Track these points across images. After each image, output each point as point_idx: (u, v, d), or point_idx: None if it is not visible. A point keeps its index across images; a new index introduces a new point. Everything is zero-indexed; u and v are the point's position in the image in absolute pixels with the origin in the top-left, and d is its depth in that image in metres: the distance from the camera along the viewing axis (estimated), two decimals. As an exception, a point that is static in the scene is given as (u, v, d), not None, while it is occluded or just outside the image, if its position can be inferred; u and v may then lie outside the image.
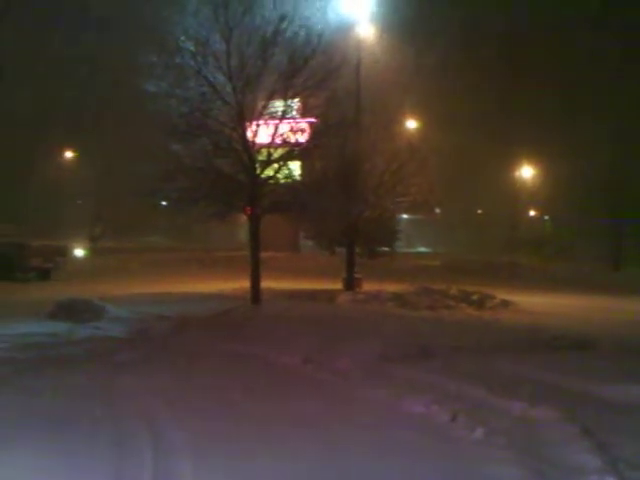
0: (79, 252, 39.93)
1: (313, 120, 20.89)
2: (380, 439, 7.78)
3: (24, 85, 44.33)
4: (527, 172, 66.22)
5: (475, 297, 22.74)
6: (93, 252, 41.25)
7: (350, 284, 25.15)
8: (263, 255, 20.98)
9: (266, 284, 20.61)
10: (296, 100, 20.25)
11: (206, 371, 11.27)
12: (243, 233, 40.43)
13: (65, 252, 32.62)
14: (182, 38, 18.85)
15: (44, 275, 29.76)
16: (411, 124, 43.64)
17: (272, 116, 19.94)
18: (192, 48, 18.79)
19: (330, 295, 22.52)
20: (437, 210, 51.07)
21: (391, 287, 24.48)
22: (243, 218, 23.19)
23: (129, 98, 24.23)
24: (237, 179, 19.81)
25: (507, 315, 19.90)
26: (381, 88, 30.36)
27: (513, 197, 65.06)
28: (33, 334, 14.98)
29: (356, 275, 25.78)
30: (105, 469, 6.65)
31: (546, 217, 69.75)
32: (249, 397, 9.48)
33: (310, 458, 7.16)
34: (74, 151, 54.63)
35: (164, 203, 23.77)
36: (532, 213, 71.90)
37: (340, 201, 22.17)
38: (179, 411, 8.69)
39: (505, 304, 22.17)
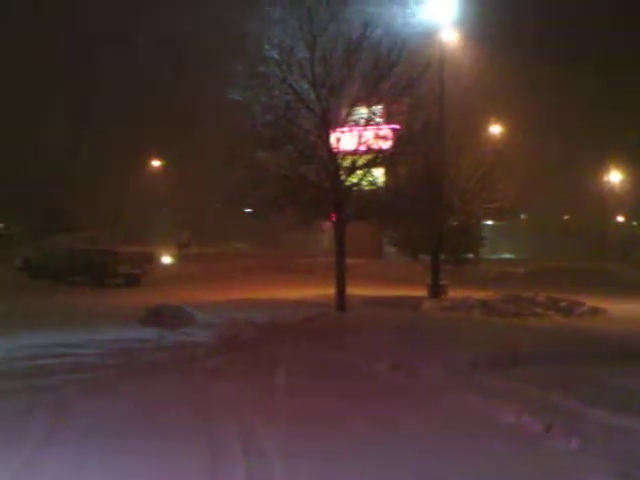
0: (167, 258, 40.69)
1: (397, 127, 20.84)
2: (474, 449, 7.72)
3: (112, 94, 45.49)
4: (615, 177, 64.71)
5: (563, 304, 22.31)
6: (180, 258, 41.97)
7: (435, 291, 24.96)
8: (347, 261, 20.99)
9: (350, 291, 20.61)
10: (380, 107, 20.22)
11: (295, 377, 11.32)
12: (325, 240, 40.53)
13: (153, 258, 33.29)
14: (267, 47, 19.07)
15: (133, 281, 30.40)
16: (496, 129, 43.17)
17: (356, 123, 20.00)
18: (277, 56, 18.99)
19: (415, 302, 22.38)
20: (522, 216, 50.32)
21: (476, 294, 24.24)
22: (325, 225, 23.28)
23: (215, 106, 24.59)
24: (322, 186, 19.90)
25: (597, 323, 19.47)
26: (466, 93, 30.11)
27: (601, 202, 63.60)
28: (124, 339, 15.27)
29: (441, 282, 25.59)
30: (199, 474, 6.75)
31: (634, 223, 68.03)
32: (340, 404, 9.51)
33: (403, 467, 7.15)
34: (161, 160, 55.71)
35: (248, 210, 24.02)
36: (620, 219, 70.19)
37: (425, 207, 22.06)
38: (270, 417, 8.77)
39: (594, 311, 21.69)
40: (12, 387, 10.14)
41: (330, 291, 20.86)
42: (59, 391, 9.90)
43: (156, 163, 56.36)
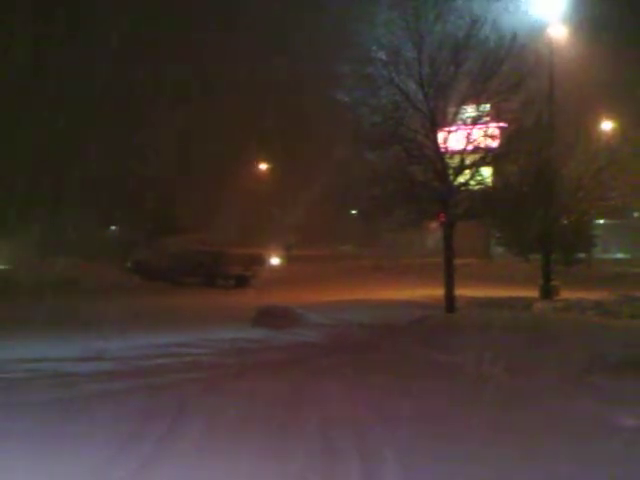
0: (275, 260, 41.32)
1: (504, 125, 20.49)
2: (589, 451, 7.54)
3: (221, 98, 46.24)
4: None
5: (681, 305, 21.46)
6: (288, 260, 42.51)
7: (547, 292, 24.42)
8: (455, 262, 20.75)
9: (458, 291, 20.39)
10: (488, 105, 19.94)
11: (406, 378, 11.29)
12: (431, 240, 40.23)
13: (262, 260, 33.79)
14: (374, 48, 19.09)
15: (243, 282, 30.94)
16: (608, 125, 41.94)
17: (464, 122, 19.80)
18: (384, 57, 18.99)
19: (526, 303, 21.97)
20: (635, 214, 48.73)
21: (589, 295, 23.59)
22: (432, 225, 23.10)
23: (322, 108, 24.79)
24: (430, 186, 19.76)
25: None
26: (576, 89, 29.38)
27: None
28: (236, 339, 15.59)
29: (553, 282, 25.01)
30: (315, 472, 6.79)
31: None
32: (452, 405, 9.44)
33: (517, 466, 7.07)
34: (269, 162, 56.47)
35: (354, 212, 24.03)
36: None
37: (535, 206, 21.63)
38: (383, 417, 8.76)
39: None
40: (133, 385, 10.47)
41: (438, 292, 20.72)
42: (178, 389, 10.16)
43: (264, 165, 57.19)
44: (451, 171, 19.44)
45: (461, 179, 19.75)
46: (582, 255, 30.56)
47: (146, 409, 8.95)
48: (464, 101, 19.47)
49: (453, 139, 19.71)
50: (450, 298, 19.74)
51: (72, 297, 24.53)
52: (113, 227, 55.23)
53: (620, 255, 59.72)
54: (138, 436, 7.72)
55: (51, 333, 16.26)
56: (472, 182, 19.99)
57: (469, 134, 19.56)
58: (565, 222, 25.20)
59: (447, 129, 19.53)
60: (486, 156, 19.86)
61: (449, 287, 19.79)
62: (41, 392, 10.01)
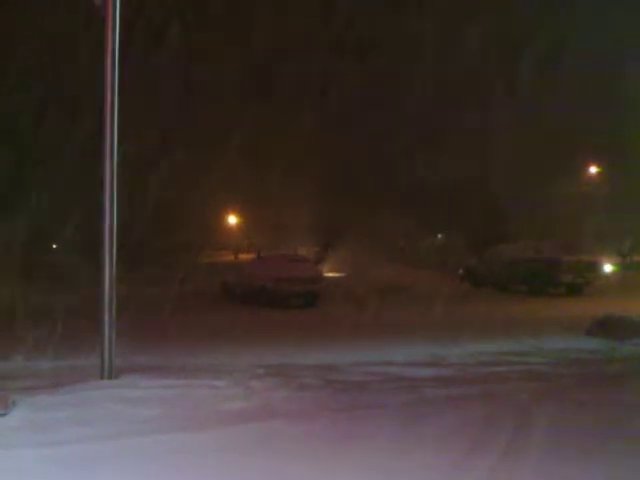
0: (608, 267, 39.67)
1: None
2: None
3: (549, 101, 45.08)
4: None
5: None
6: (623, 267, 40.58)
7: None
8: None
9: None
10: None
11: None
12: None
13: (596, 267, 32.54)
14: None
15: (575, 290, 30.05)
16: None
17: None
18: None
19: None
20: None
21: None
22: None
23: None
24: None
25: None
26: None
27: None
28: (572, 350, 15.24)
29: None
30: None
31: None
32: None
33: None
34: (599, 166, 54.29)
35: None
36: None
37: None
38: None
39: None
40: (471, 392, 10.52)
41: None
42: (515, 398, 10.05)
43: (593, 169, 55.05)
44: None
45: None
46: None
47: (485, 416, 8.93)
48: None
49: None
50: None
51: (403, 303, 25.35)
52: (439, 235, 56.53)
53: None
54: (481, 443, 7.73)
55: (384, 338, 16.97)
56: None
57: None
58: None
59: None
60: None
61: None
62: (385, 395, 10.35)
